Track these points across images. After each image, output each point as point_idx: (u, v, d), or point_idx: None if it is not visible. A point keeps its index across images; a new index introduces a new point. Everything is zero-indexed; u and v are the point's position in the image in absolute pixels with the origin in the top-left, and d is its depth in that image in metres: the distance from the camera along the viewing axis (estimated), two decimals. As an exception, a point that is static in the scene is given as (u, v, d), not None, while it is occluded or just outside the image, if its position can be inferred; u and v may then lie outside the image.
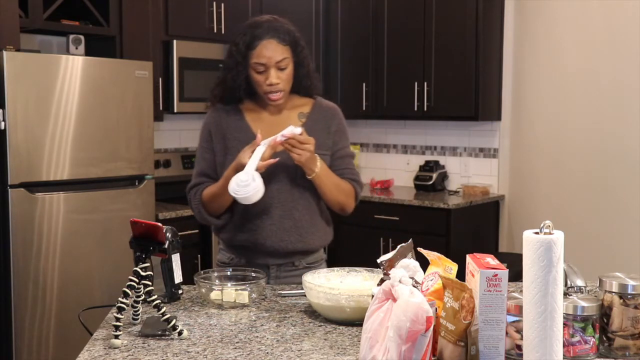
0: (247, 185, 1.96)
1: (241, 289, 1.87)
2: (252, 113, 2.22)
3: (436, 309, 1.38)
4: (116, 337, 1.55)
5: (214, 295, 1.87)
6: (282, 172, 2.14)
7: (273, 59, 2.10)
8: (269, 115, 2.22)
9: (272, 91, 2.13)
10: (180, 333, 1.60)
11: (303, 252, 2.22)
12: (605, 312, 1.50)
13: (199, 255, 4.04)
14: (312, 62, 2.25)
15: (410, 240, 1.64)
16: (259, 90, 2.15)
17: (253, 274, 1.99)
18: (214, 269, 2.13)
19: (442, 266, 1.51)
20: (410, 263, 1.49)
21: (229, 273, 2.02)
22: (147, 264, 1.65)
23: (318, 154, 2.11)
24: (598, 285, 1.54)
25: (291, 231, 2.17)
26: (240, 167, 2.02)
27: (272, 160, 2.03)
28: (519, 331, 1.43)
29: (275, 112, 2.22)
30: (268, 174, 2.09)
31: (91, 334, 1.66)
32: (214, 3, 4.38)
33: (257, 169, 2.00)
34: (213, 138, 2.21)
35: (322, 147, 2.18)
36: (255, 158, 2.00)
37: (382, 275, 1.56)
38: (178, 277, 1.90)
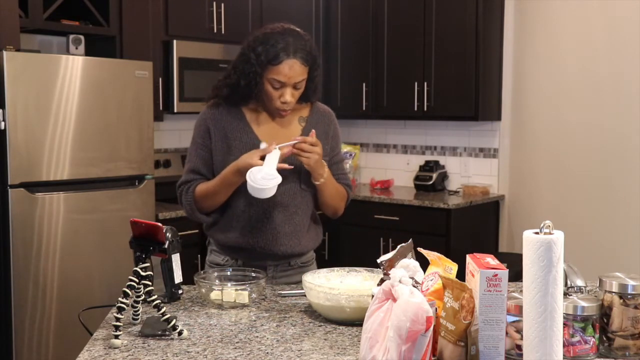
0: (272, 179, 1.97)
1: (241, 289, 1.87)
2: (253, 114, 2.21)
3: (436, 309, 1.38)
4: (116, 337, 1.55)
5: (214, 295, 1.87)
6: (287, 177, 2.13)
7: (293, 79, 2.08)
8: (269, 117, 2.21)
9: (283, 109, 2.13)
10: (180, 333, 1.60)
11: (299, 254, 2.24)
12: (605, 312, 1.50)
13: (199, 255, 4.03)
14: (321, 76, 2.24)
15: (410, 240, 1.64)
16: (270, 104, 2.14)
17: (253, 274, 1.99)
18: (214, 269, 2.13)
19: (442, 266, 1.51)
20: (410, 263, 1.49)
21: (228, 273, 2.02)
22: (147, 264, 1.65)
23: None
24: (598, 285, 1.54)
25: (291, 235, 2.18)
26: (246, 168, 2.00)
27: (287, 165, 2.03)
28: (519, 331, 1.43)
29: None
30: None
31: (91, 334, 1.66)
32: (214, 3, 4.38)
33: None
34: (212, 136, 2.18)
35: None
36: (274, 159, 2.00)
37: (382, 275, 1.56)
38: (178, 277, 1.90)
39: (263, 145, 2.08)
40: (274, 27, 2.13)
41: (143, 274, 1.62)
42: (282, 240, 2.17)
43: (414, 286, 1.37)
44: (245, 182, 2.01)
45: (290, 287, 2.07)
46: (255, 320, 1.75)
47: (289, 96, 2.09)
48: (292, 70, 2.06)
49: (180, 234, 1.90)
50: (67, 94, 3.35)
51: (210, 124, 2.19)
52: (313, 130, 2.09)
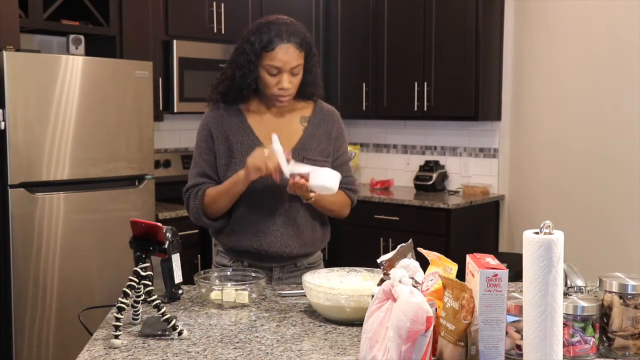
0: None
1: (241, 289, 1.87)
2: (253, 114, 2.20)
3: (436, 309, 1.38)
4: (116, 337, 1.55)
5: (214, 295, 1.87)
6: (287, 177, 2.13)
7: (289, 64, 2.07)
8: (271, 117, 2.20)
9: (282, 95, 2.11)
10: (180, 333, 1.60)
11: (305, 255, 2.23)
12: (605, 312, 1.50)
13: (199, 255, 4.04)
14: (320, 69, 2.22)
15: (410, 240, 1.64)
16: (267, 92, 2.12)
17: (253, 274, 1.99)
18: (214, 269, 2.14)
19: (442, 266, 1.51)
20: (410, 263, 1.49)
21: (228, 273, 2.02)
22: (147, 264, 1.65)
23: (318, 160, 2.12)
24: (598, 285, 1.54)
25: (294, 237, 2.17)
26: (254, 171, 2.01)
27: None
28: (519, 331, 1.43)
29: (278, 114, 2.20)
30: (273, 181, 2.08)
31: (91, 334, 1.66)
32: (214, 3, 4.38)
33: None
34: (215, 139, 2.17)
35: (323, 153, 2.18)
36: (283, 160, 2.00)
37: (382, 275, 1.56)
38: (178, 277, 1.90)
39: (275, 138, 2.02)
40: (267, 17, 2.14)
41: (143, 274, 1.62)
42: (286, 241, 2.16)
43: (414, 286, 1.37)
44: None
45: (290, 287, 2.06)
46: (255, 320, 1.75)
47: (287, 82, 2.08)
48: (287, 54, 2.06)
49: (180, 234, 1.90)
50: (67, 94, 3.35)
51: (212, 127, 2.19)
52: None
